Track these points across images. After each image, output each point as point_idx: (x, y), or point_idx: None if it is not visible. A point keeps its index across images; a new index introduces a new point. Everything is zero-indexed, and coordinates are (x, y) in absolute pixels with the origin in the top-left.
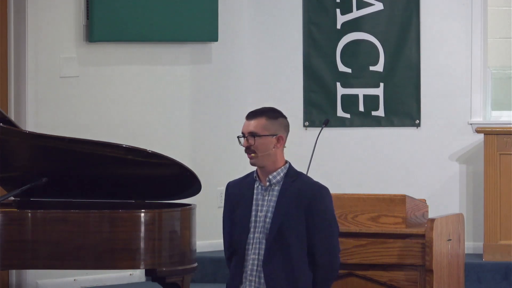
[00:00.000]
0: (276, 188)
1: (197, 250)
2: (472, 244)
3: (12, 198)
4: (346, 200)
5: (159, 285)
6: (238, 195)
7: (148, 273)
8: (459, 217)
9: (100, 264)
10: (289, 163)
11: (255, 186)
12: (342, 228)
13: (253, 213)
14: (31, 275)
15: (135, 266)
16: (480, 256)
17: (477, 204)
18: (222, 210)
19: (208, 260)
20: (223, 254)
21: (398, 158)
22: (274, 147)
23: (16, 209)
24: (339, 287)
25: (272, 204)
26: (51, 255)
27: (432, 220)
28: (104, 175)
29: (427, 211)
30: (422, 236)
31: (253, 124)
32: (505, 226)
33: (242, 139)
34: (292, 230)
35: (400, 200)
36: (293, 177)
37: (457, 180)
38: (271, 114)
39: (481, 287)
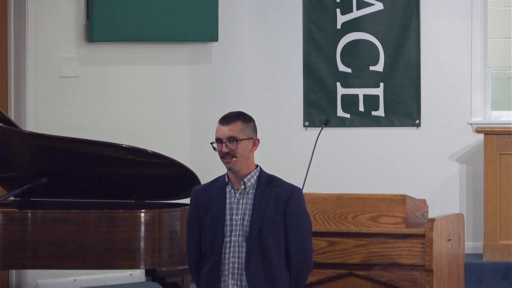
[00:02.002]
0: (251, 191)
1: None
2: (472, 244)
3: (12, 198)
4: (346, 200)
5: (159, 285)
6: (207, 200)
7: (148, 273)
8: (459, 217)
9: (100, 264)
10: (260, 167)
11: (227, 190)
12: (342, 228)
13: (228, 217)
14: (31, 275)
15: (135, 266)
16: (480, 256)
17: (477, 204)
18: None
19: None
20: None
21: (398, 158)
22: (250, 151)
23: (16, 209)
24: (339, 287)
25: (249, 207)
26: (51, 255)
27: (432, 220)
28: (104, 175)
29: (427, 211)
30: (422, 236)
31: (231, 129)
32: (505, 226)
33: (216, 145)
34: (270, 232)
35: (400, 200)
36: (267, 180)
37: (457, 180)
38: (245, 117)
39: (481, 287)
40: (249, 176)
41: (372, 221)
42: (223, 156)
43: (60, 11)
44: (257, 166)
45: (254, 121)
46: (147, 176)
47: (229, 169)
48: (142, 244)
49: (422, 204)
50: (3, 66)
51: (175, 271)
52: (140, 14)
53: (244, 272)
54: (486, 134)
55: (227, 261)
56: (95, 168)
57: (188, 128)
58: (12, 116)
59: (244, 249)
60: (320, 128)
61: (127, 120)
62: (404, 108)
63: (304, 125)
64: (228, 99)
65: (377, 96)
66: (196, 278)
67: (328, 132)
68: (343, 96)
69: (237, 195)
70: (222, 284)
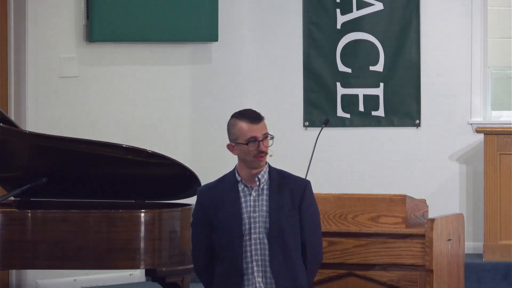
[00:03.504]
0: (265, 187)
1: None
2: (472, 244)
3: (12, 198)
4: (346, 200)
5: (159, 285)
6: (216, 200)
7: (148, 273)
8: (459, 217)
9: (100, 264)
10: (268, 163)
11: (240, 188)
12: (342, 228)
13: (245, 215)
14: (31, 275)
15: (135, 266)
16: (480, 256)
17: (477, 204)
18: None
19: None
20: None
21: (398, 158)
22: None
23: (16, 209)
24: (339, 287)
25: (266, 203)
26: (51, 255)
27: (432, 220)
28: (104, 175)
29: (427, 211)
30: (422, 236)
31: (263, 126)
32: (505, 226)
33: (253, 144)
34: (289, 227)
35: (400, 200)
36: (277, 175)
37: (457, 180)
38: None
39: (481, 287)
40: (262, 173)
41: (372, 221)
42: (258, 154)
43: (60, 11)
44: (266, 162)
45: None
46: (147, 176)
47: (259, 166)
48: (142, 244)
49: (422, 204)
50: (3, 66)
51: (175, 271)
52: (140, 14)
53: (268, 269)
54: (486, 134)
55: (249, 259)
56: (95, 168)
57: (188, 128)
58: (12, 116)
59: (266, 246)
60: (320, 128)
61: (127, 120)
62: (404, 108)
63: (304, 125)
64: (228, 99)
65: (377, 96)
66: (207, 279)
67: (328, 132)
68: (343, 96)
69: (252, 192)
70: (246, 283)
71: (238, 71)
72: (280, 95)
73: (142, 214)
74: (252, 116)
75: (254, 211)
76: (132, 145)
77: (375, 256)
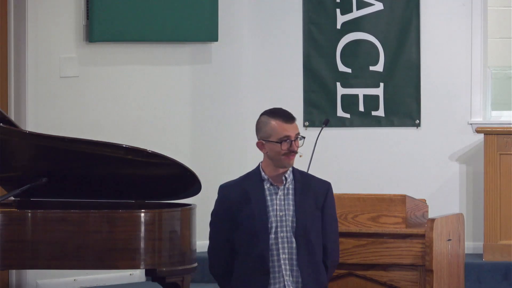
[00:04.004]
0: (291, 186)
1: (197, 250)
2: (472, 244)
3: (12, 198)
4: (346, 200)
5: (159, 285)
6: (241, 197)
7: (148, 273)
8: (459, 217)
9: (100, 264)
10: None
11: (265, 186)
12: (342, 228)
13: (271, 213)
14: (31, 275)
15: (135, 266)
16: (480, 256)
17: (477, 204)
18: None
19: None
20: None
21: (398, 158)
22: None
23: (16, 209)
24: (339, 287)
25: (292, 202)
26: (51, 255)
27: (432, 220)
28: (104, 175)
29: (427, 211)
30: (422, 236)
31: (296, 126)
32: (505, 226)
33: (286, 143)
34: (313, 227)
35: (400, 200)
36: (300, 175)
37: (457, 180)
38: None
39: (481, 287)
40: (288, 172)
41: (372, 221)
42: (288, 153)
43: (60, 11)
44: None
45: None
46: (147, 176)
47: (289, 166)
48: (142, 244)
49: (422, 204)
50: (3, 66)
51: (175, 271)
52: (140, 14)
53: (295, 268)
54: (486, 134)
55: (276, 258)
56: (95, 168)
57: (188, 128)
58: (12, 116)
59: (294, 245)
60: (320, 128)
61: (127, 120)
62: (404, 108)
63: (304, 125)
64: (228, 99)
65: (377, 96)
66: (223, 277)
67: (328, 132)
68: (343, 96)
69: (279, 192)
70: (272, 281)
71: (238, 71)
72: (280, 95)
73: (142, 214)
74: (286, 116)
75: (281, 210)
76: (132, 145)
77: (375, 256)
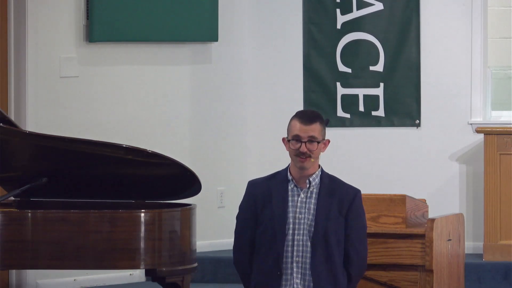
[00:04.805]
0: (315, 190)
1: (197, 250)
2: (472, 244)
3: (12, 198)
4: None
5: (159, 285)
6: (267, 194)
7: (148, 273)
8: (459, 217)
9: (100, 264)
10: (321, 167)
11: (290, 187)
12: None
13: (291, 214)
14: (31, 275)
15: (135, 266)
16: (480, 256)
17: (477, 204)
18: (222, 210)
19: (208, 260)
20: (223, 254)
21: (398, 158)
22: (321, 151)
23: (16, 209)
24: None
25: (313, 206)
26: (51, 255)
27: (432, 220)
28: (104, 175)
29: (427, 211)
30: (422, 236)
31: (313, 129)
32: (505, 226)
33: (295, 142)
34: (334, 233)
35: (400, 200)
36: (328, 180)
37: (457, 180)
38: (321, 119)
39: (481, 287)
40: (314, 176)
41: (372, 221)
42: (298, 154)
43: (60, 11)
44: (319, 166)
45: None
46: (147, 176)
47: (301, 168)
48: (142, 244)
49: (422, 204)
50: (3, 66)
51: (175, 271)
52: (140, 14)
53: (308, 272)
54: (486, 134)
55: (290, 260)
56: (95, 168)
57: (188, 128)
58: (12, 116)
59: (309, 249)
60: None
61: (127, 120)
62: (404, 108)
63: None
64: (228, 99)
65: (377, 96)
66: (245, 272)
67: (328, 132)
68: (343, 96)
69: (301, 194)
70: (284, 283)
71: (238, 71)
72: (280, 95)
73: (142, 214)
74: (305, 116)
75: (300, 213)
76: (132, 145)
77: (375, 256)
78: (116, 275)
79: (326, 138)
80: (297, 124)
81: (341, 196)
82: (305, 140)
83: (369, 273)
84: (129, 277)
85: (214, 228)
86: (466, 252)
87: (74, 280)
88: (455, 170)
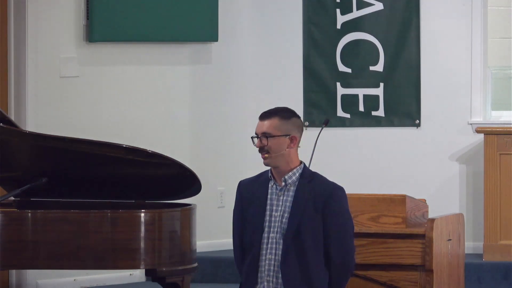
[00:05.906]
0: (292, 188)
1: (197, 250)
2: (472, 244)
3: (12, 198)
4: None
5: (159, 285)
6: (251, 194)
7: (148, 273)
8: (459, 217)
9: (100, 264)
10: (304, 164)
11: (270, 185)
12: None
13: (267, 212)
14: (31, 275)
15: (135, 266)
16: (480, 256)
17: (477, 204)
18: (222, 210)
19: (208, 260)
20: (223, 254)
21: (398, 158)
22: (287, 147)
23: (16, 209)
24: None
25: (288, 204)
26: (51, 255)
27: (432, 220)
28: (104, 175)
29: (427, 211)
30: (422, 236)
31: (266, 125)
32: (505, 226)
33: (255, 140)
34: (309, 231)
35: (400, 200)
36: (309, 177)
37: (457, 180)
38: (284, 114)
39: (481, 287)
40: (290, 173)
41: (372, 221)
42: (259, 151)
43: (60, 11)
44: (301, 162)
45: (297, 117)
46: (147, 176)
47: (266, 164)
48: (142, 244)
49: (422, 204)
50: (3, 66)
51: (175, 271)
52: (140, 14)
53: (279, 270)
54: (486, 134)
55: (263, 258)
56: (95, 168)
57: (188, 128)
58: (12, 116)
59: (280, 247)
60: (320, 128)
61: (127, 120)
62: (404, 108)
63: (304, 125)
64: (228, 99)
65: (377, 96)
66: (240, 270)
67: (328, 132)
68: (343, 96)
69: (277, 192)
70: (259, 280)
71: (238, 71)
72: (280, 95)
73: (142, 214)
74: (263, 112)
75: (276, 210)
76: (132, 145)
77: (375, 256)
78: (116, 275)
79: (292, 134)
80: (258, 121)
81: (317, 193)
82: (259, 135)
83: (369, 273)
84: (129, 277)
85: (214, 228)
86: (466, 252)
87: (74, 280)
88: (455, 170)
